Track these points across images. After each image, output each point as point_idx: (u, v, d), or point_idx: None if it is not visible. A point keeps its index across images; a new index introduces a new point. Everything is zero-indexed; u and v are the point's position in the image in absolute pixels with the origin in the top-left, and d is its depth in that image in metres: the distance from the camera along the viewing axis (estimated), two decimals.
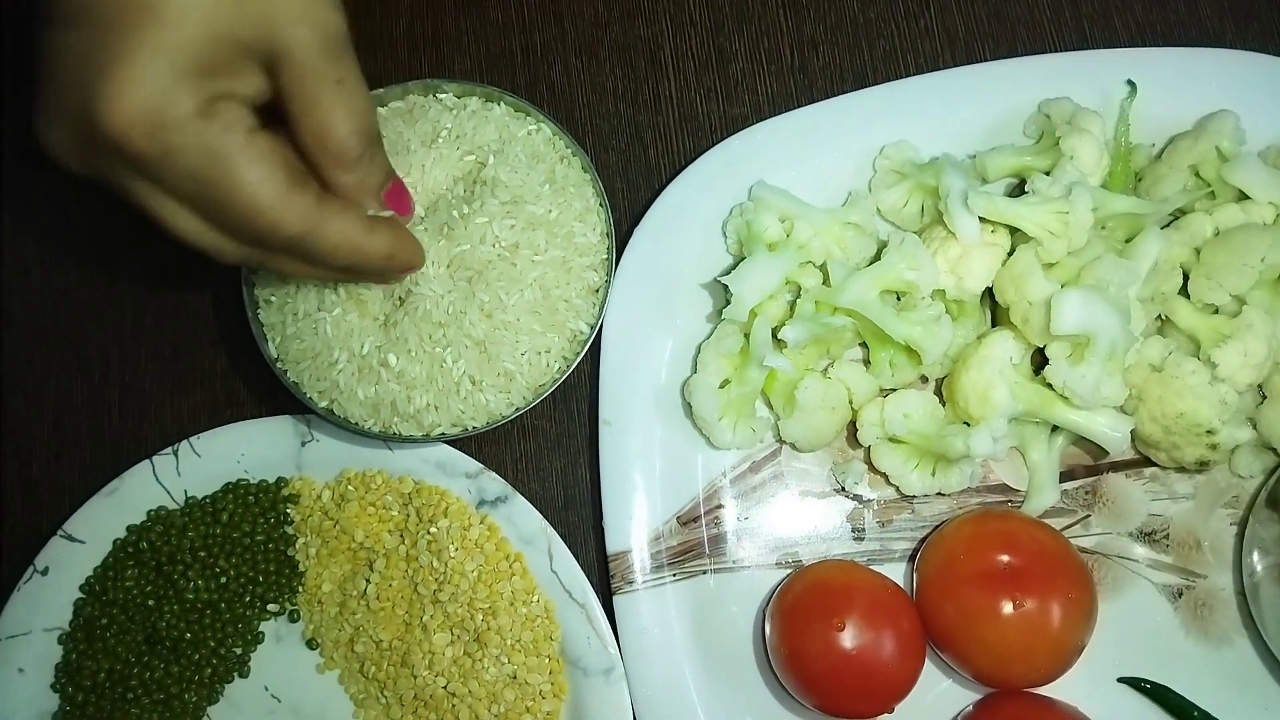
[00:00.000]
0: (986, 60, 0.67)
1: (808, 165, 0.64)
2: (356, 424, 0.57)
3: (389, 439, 0.57)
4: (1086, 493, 0.61)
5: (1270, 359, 0.56)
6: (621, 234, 0.64)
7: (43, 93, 0.42)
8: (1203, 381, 0.55)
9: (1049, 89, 0.63)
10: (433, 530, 0.59)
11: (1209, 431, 0.56)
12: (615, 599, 0.59)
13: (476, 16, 0.70)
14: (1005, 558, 0.54)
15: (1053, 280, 0.56)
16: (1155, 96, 0.63)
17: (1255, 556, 0.56)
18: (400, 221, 0.50)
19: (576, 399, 0.64)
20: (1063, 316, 0.53)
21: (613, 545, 0.59)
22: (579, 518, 0.63)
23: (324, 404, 0.57)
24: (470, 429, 0.57)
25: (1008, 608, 0.53)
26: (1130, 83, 0.63)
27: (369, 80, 0.68)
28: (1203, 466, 0.58)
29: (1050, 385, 0.56)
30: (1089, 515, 0.60)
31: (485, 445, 0.63)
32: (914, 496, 0.60)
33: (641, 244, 0.63)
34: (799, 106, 0.65)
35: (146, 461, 0.61)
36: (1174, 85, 0.63)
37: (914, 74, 0.67)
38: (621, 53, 0.69)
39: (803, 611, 0.55)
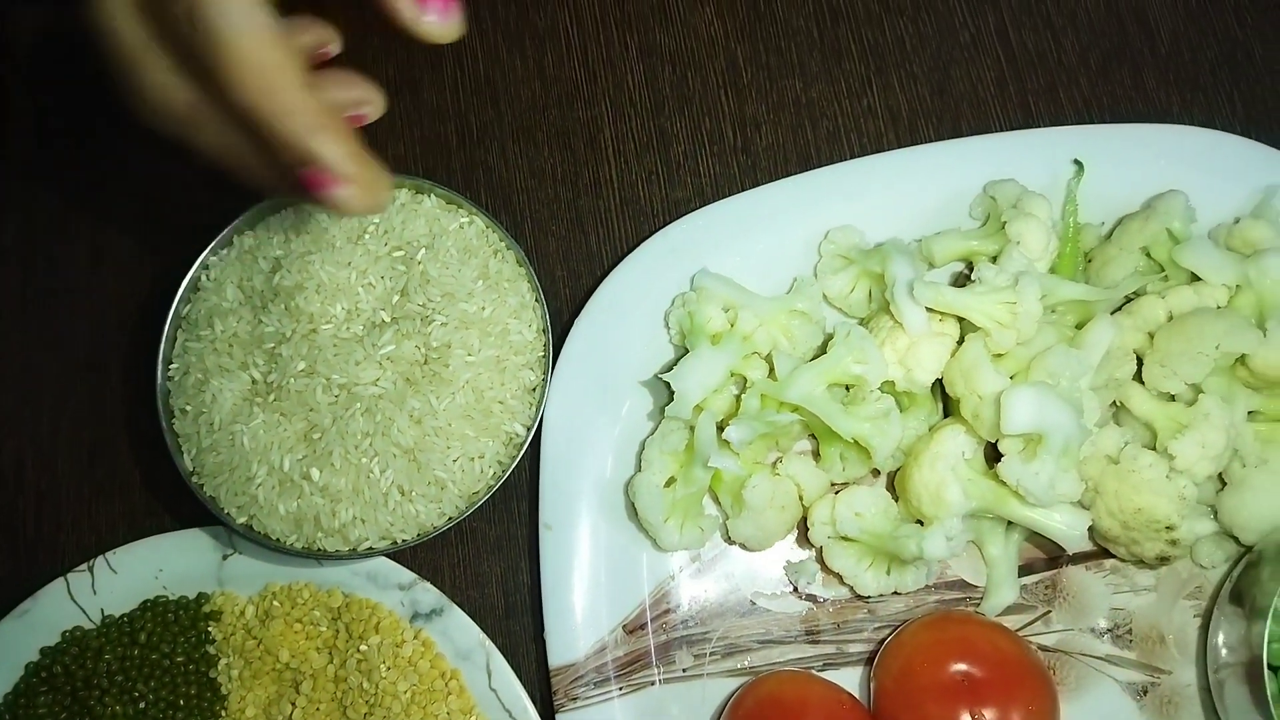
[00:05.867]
0: (930, 139, 0.66)
1: (752, 250, 0.62)
2: (278, 540, 0.53)
3: (313, 556, 0.54)
4: (1046, 587, 0.59)
5: (1229, 448, 0.54)
6: (563, 324, 0.62)
7: None
8: (1160, 475, 0.53)
9: (995, 169, 0.62)
10: (363, 648, 0.55)
11: (1168, 527, 0.54)
12: (558, 718, 0.56)
13: (410, 99, 0.68)
14: (963, 667, 0.52)
15: (1003, 373, 0.54)
16: (1103, 174, 0.62)
17: (1221, 654, 0.54)
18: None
19: (517, 498, 0.61)
20: (1013, 416, 0.51)
21: (555, 659, 0.56)
22: (521, 626, 0.60)
23: (242, 520, 0.54)
24: (400, 542, 0.54)
25: None
26: (1077, 162, 0.62)
27: None
28: (1163, 562, 0.56)
29: (1004, 481, 0.54)
30: (1049, 611, 0.58)
31: (421, 550, 0.60)
32: (869, 596, 0.58)
33: (582, 336, 0.60)
34: (743, 188, 0.64)
35: (61, 579, 0.58)
36: (1122, 163, 0.62)
37: (858, 153, 0.66)
38: (560, 136, 0.67)
39: None
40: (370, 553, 0.53)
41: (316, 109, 0.41)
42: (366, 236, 0.56)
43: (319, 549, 0.53)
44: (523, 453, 0.55)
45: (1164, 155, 0.62)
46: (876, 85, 0.67)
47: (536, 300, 0.57)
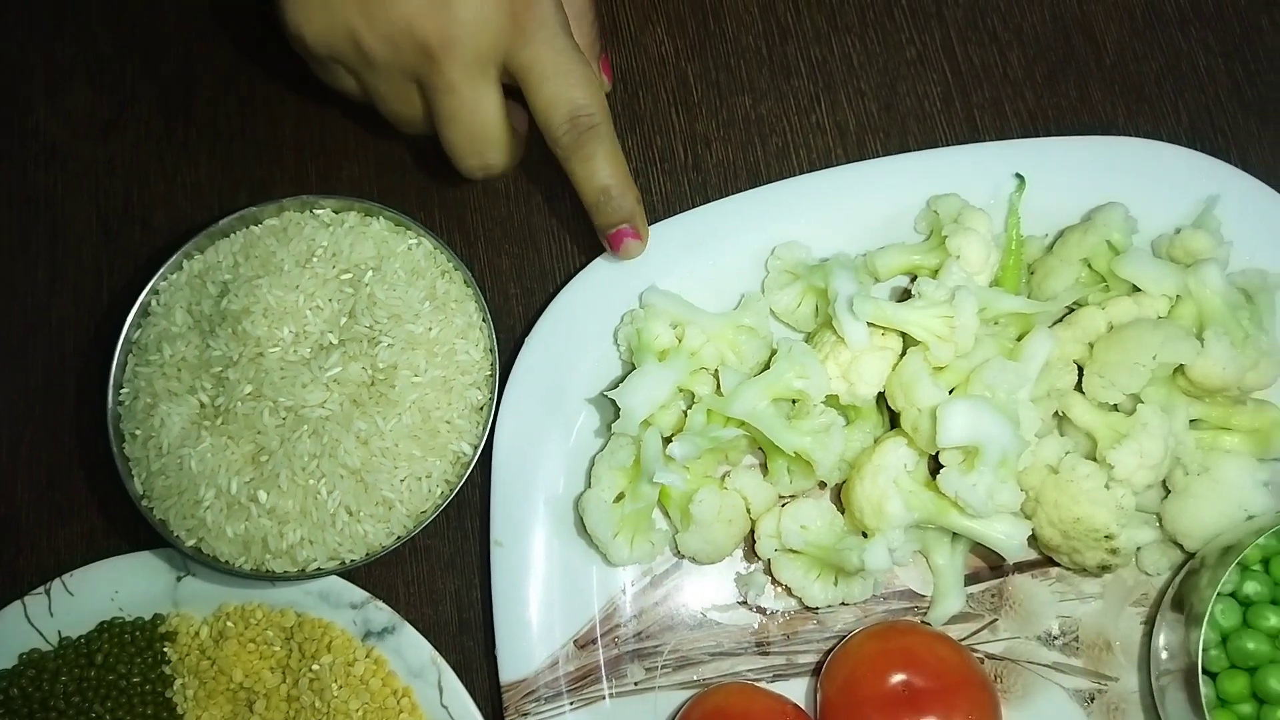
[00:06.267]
0: (879, 154, 0.67)
1: (701, 266, 0.63)
2: (226, 562, 0.54)
3: (262, 577, 0.54)
4: (993, 595, 0.59)
5: (1168, 457, 0.55)
6: (516, 341, 0.62)
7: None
8: (1098, 485, 0.54)
9: (940, 183, 0.63)
10: (315, 667, 0.56)
11: (1107, 536, 0.54)
12: None
13: (365, 120, 0.69)
14: (904, 678, 0.52)
15: (941, 386, 0.55)
16: (1046, 187, 0.63)
17: (1163, 660, 0.55)
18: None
19: (470, 515, 0.62)
20: (949, 428, 0.52)
21: (506, 674, 0.57)
22: (474, 642, 0.60)
23: (191, 542, 0.54)
24: (348, 562, 0.54)
25: None
26: (1019, 176, 0.63)
27: (254, 190, 0.67)
28: (1105, 570, 0.57)
29: (944, 493, 0.54)
30: (996, 619, 0.59)
31: (376, 568, 0.61)
32: (818, 607, 0.58)
33: (534, 353, 0.61)
34: (693, 205, 0.65)
35: (18, 602, 0.59)
36: (1064, 175, 0.63)
37: (807, 169, 0.67)
38: None
39: None
40: (319, 573, 0.54)
41: (634, 186, 0.57)
42: (314, 260, 0.57)
43: (268, 570, 0.54)
44: (470, 471, 0.56)
45: (1106, 167, 0.63)
46: (825, 102, 0.68)
47: (484, 320, 0.58)
